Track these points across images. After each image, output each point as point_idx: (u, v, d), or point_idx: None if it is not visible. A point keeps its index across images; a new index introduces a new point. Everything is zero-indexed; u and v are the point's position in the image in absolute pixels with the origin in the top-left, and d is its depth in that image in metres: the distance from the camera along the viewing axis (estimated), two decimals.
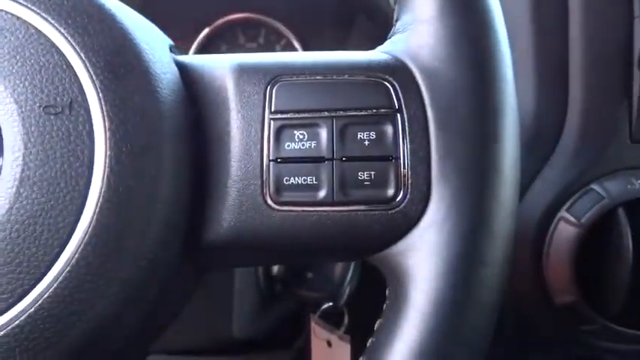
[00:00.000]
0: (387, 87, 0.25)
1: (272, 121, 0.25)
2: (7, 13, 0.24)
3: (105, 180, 0.23)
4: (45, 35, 0.24)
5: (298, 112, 0.25)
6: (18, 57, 0.23)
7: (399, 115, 0.25)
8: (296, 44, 0.69)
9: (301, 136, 0.25)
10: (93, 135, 0.23)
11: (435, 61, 0.25)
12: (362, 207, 0.25)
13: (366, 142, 0.25)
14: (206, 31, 0.69)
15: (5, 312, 0.22)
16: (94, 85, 0.23)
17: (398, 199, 0.25)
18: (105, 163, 0.23)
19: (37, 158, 0.23)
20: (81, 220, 0.22)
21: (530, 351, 0.47)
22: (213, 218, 0.26)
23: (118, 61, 0.24)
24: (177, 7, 0.68)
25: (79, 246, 0.22)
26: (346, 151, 0.25)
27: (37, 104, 0.23)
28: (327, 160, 0.25)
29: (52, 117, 0.23)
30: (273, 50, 0.70)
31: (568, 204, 0.41)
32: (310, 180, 0.25)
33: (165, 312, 0.29)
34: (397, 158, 0.25)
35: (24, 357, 0.22)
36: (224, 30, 0.69)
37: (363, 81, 0.26)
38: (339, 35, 0.68)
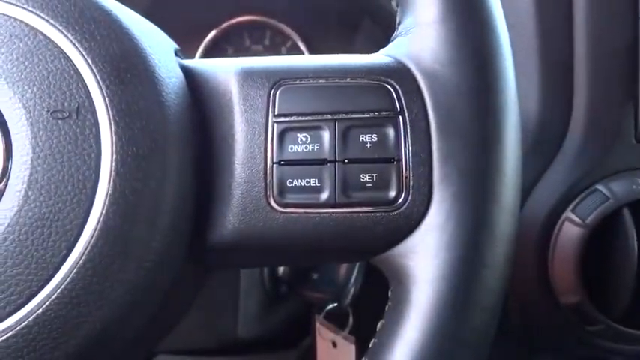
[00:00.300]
0: (389, 90, 0.26)
1: (275, 124, 0.26)
2: (16, 20, 0.24)
3: (111, 183, 0.23)
4: (53, 41, 0.24)
5: (301, 115, 0.26)
6: (27, 63, 0.24)
7: (400, 117, 0.25)
8: (301, 46, 0.69)
9: (304, 139, 0.26)
10: (99, 139, 0.23)
11: (437, 64, 0.25)
12: (364, 209, 0.25)
13: (368, 145, 0.25)
14: (212, 33, 0.69)
15: (14, 313, 0.22)
16: (101, 90, 0.24)
17: (400, 201, 0.25)
18: (111, 166, 0.23)
19: (45, 162, 0.23)
20: (88, 223, 0.23)
21: (536, 351, 0.47)
22: (217, 220, 0.26)
23: (124, 66, 0.24)
24: (183, 11, 0.69)
25: (86, 248, 0.23)
26: (348, 154, 0.25)
27: (46, 109, 0.23)
28: (330, 162, 0.25)
29: (59, 122, 0.23)
30: (278, 52, 0.70)
31: (573, 205, 0.41)
32: (313, 182, 0.25)
33: (170, 312, 0.30)
34: (399, 160, 0.25)
35: (32, 357, 0.22)
36: (230, 33, 0.70)
37: (365, 84, 0.26)
38: (344, 38, 0.68)
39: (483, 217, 0.24)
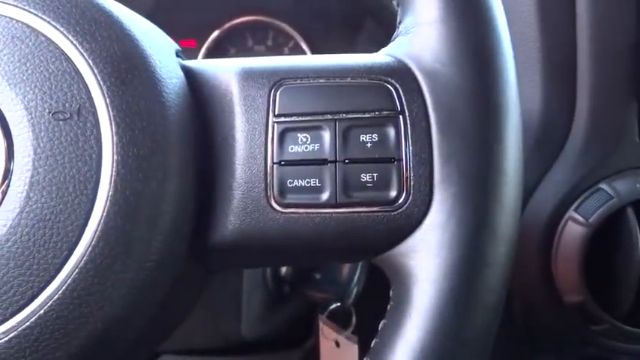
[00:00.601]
0: (390, 89, 0.26)
1: (276, 125, 0.26)
2: (17, 21, 0.24)
3: (112, 184, 0.23)
4: (54, 43, 0.24)
5: (301, 115, 0.26)
6: (28, 64, 0.24)
7: (401, 117, 0.25)
8: (304, 47, 0.69)
9: (304, 139, 0.26)
10: (100, 140, 0.23)
11: (438, 64, 0.25)
12: (365, 209, 0.25)
13: (369, 145, 0.25)
14: (215, 34, 0.69)
15: (16, 314, 0.23)
16: (102, 91, 0.24)
17: (400, 200, 0.25)
18: (112, 167, 0.23)
19: (46, 163, 0.23)
20: (89, 224, 0.23)
21: (540, 351, 0.47)
22: (218, 220, 0.26)
23: (124, 67, 0.24)
24: (186, 11, 0.69)
25: (87, 249, 0.23)
26: (349, 154, 0.25)
27: (47, 110, 0.23)
28: (330, 162, 0.25)
29: (60, 123, 0.23)
30: (281, 53, 0.70)
31: (576, 204, 0.41)
32: (313, 182, 0.25)
33: (172, 313, 0.30)
34: (399, 160, 0.25)
35: (34, 358, 0.22)
36: (232, 33, 0.70)
37: (365, 84, 0.26)
38: (347, 38, 0.68)
39: (484, 217, 0.24)
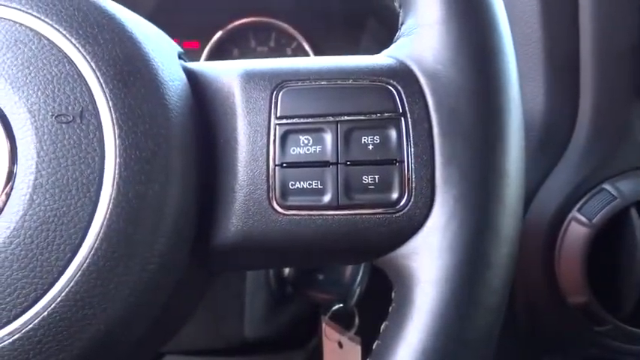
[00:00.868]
0: (391, 91, 0.26)
1: (277, 127, 0.26)
2: (20, 25, 0.25)
3: (115, 186, 0.23)
4: (57, 46, 0.24)
5: (303, 117, 0.26)
6: (31, 68, 0.24)
7: (403, 119, 0.25)
8: (307, 47, 0.69)
9: (306, 141, 0.26)
10: (103, 143, 0.24)
11: (439, 65, 0.25)
12: (366, 210, 0.25)
13: (371, 147, 0.25)
14: (218, 35, 0.69)
15: (20, 316, 0.23)
16: (104, 93, 0.24)
17: (402, 202, 0.25)
18: (115, 169, 0.23)
19: (49, 166, 0.23)
20: (92, 226, 0.23)
21: (544, 351, 0.47)
22: (220, 222, 0.26)
23: (127, 69, 0.24)
24: (189, 12, 0.69)
25: (90, 251, 0.23)
26: (351, 156, 0.25)
27: (50, 113, 0.24)
28: (332, 164, 0.25)
29: (63, 126, 0.23)
30: (284, 53, 0.70)
31: (579, 204, 0.41)
32: (315, 184, 0.25)
33: (175, 315, 0.30)
34: (401, 162, 0.25)
35: None
36: (235, 34, 0.70)
37: (367, 85, 0.26)
38: (350, 38, 0.68)
39: (486, 218, 0.24)
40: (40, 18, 0.25)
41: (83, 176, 0.23)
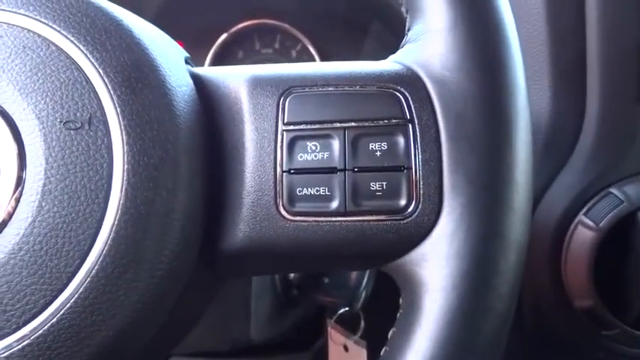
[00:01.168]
0: (399, 97, 0.26)
1: (285, 133, 0.26)
2: (29, 31, 0.25)
3: (123, 193, 0.23)
4: (65, 52, 0.24)
5: (311, 123, 0.26)
6: (39, 74, 0.24)
7: (410, 125, 0.25)
8: (312, 50, 0.69)
9: (314, 147, 0.26)
10: (111, 149, 0.24)
11: (447, 71, 0.25)
12: (374, 217, 0.25)
13: (378, 153, 0.25)
14: (223, 37, 0.70)
15: (29, 322, 0.23)
16: (112, 100, 0.24)
17: (410, 209, 0.25)
18: (123, 176, 0.23)
19: (58, 172, 0.23)
20: (100, 233, 0.23)
21: (550, 355, 0.47)
22: (228, 228, 0.26)
23: (135, 76, 0.24)
24: (193, 15, 0.69)
25: (99, 257, 0.23)
26: (358, 162, 0.25)
27: (58, 120, 0.24)
28: (340, 170, 0.25)
29: (72, 132, 0.24)
30: (289, 55, 0.70)
31: (586, 208, 0.40)
32: (323, 191, 0.25)
33: (183, 320, 0.30)
34: (409, 168, 0.25)
35: None
36: (240, 36, 0.70)
37: (374, 91, 0.26)
38: (354, 41, 0.68)
39: (495, 225, 0.24)
40: (48, 24, 0.25)
41: (92, 183, 0.23)
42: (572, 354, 0.45)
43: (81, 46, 0.24)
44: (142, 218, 0.23)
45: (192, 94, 0.27)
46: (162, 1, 0.66)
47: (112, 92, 0.24)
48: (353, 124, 0.26)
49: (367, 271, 0.49)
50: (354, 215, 0.25)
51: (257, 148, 0.26)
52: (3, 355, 0.23)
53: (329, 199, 0.25)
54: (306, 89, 0.26)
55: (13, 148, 0.24)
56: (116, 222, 0.23)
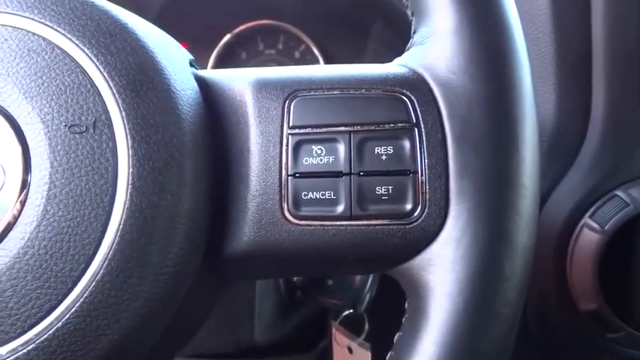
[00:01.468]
0: (405, 101, 0.25)
1: (290, 136, 0.26)
2: (34, 34, 0.25)
3: (128, 197, 0.23)
4: (70, 55, 0.24)
5: (316, 127, 0.26)
6: (44, 77, 0.24)
7: (416, 129, 0.25)
8: (315, 50, 0.69)
9: (319, 151, 0.25)
10: (116, 153, 0.24)
11: (453, 74, 0.25)
12: (380, 221, 0.25)
13: (384, 157, 0.25)
14: (226, 38, 0.70)
15: (34, 326, 0.23)
16: (117, 103, 0.24)
17: (416, 213, 0.25)
18: (128, 180, 0.23)
19: (63, 176, 0.23)
20: (105, 237, 0.23)
21: (555, 357, 0.47)
22: (233, 232, 0.26)
23: (140, 79, 0.24)
24: (196, 15, 0.69)
25: (104, 261, 0.23)
26: (364, 166, 0.25)
27: (63, 124, 0.24)
28: (345, 174, 0.25)
29: (77, 136, 0.24)
30: (292, 56, 0.70)
31: (591, 210, 0.40)
32: (328, 195, 0.25)
33: (188, 323, 0.30)
34: (415, 173, 0.25)
35: None
36: (243, 37, 0.70)
37: (380, 95, 0.26)
38: (357, 41, 0.68)
39: (501, 230, 0.23)
40: (52, 27, 0.25)
41: (96, 187, 0.23)
42: (576, 356, 0.45)
43: (86, 50, 0.24)
44: (147, 222, 0.23)
45: (197, 98, 0.26)
46: (164, 1, 0.66)
47: (116, 96, 0.24)
48: (358, 127, 0.25)
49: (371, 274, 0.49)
50: (360, 219, 0.25)
51: (262, 151, 0.26)
52: (9, 359, 0.23)
53: (334, 203, 0.25)
54: (312, 92, 0.26)
55: (18, 151, 0.24)
56: (121, 226, 0.23)
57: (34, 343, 0.23)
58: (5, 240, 0.23)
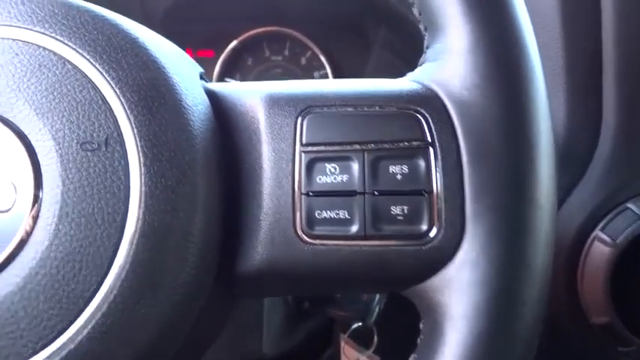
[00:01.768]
0: (419, 119, 0.25)
1: (303, 154, 0.25)
2: (45, 49, 0.24)
3: (140, 215, 0.23)
4: (81, 71, 0.24)
5: (329, 144, 0.25)
6: (55, 93, 0.24)
7: (431, 148, 0.25)
8: (321, 57, 0.69)
9: (333, 170, 0.25)
10: (128, 171, 0.23)
11: (467, 92, 0.25)
12: (395, 242, 0.25)
13: (399, 176, 0.25)
14: (232, 44, 0.69)
15: (46, 347, 0.22)
16: (129, 120, 0.24)
17: (432, 234, 0.24)
18: (140, 198, 0.23)
19: (74, 195, 0.23)
20: (117, 256, 0.23)
21: None
22: (245, 251, 0.26)
23: (151, 95, 0.24)
24: (202, 22, 0.69)
25: (116, 282, 0.23)
26: (378, 185, 0.25)
27: (75, 141, 0.23)
28: (359, 194, 0.25)
29: (89, 154, 0.23)
30: (298, 63, 0.70)
31: (602, 223, 0.40)
32: (342, 214, 0.25)
33: (200, 341, 0.30)
34: (430, 192, 0.24)
35: None
36: (249, 43, 0.70)
37: (394, 112, 0.25)
38: (363, 47, 0.68)
39: (518, 252, 0.23)
40: (63, 42, 0.24)
41: (109, 206, 0.23)
42: None
43: (97, 65, 0.24)
44: (160, 241, 0.23)
45: (208, 113, 0.26)
46: (168, 6, 0.66)
47: (128, 112, 0.24)
48: (372, 145, 0.25)
49: None
50: (374, 240, 0.25)
51: (275, 169, 0.26)
52: None
53: (349, 222, 0.25)
54: (325, 109, 0.26)
55: (30, 169, 0.23)
56: (133, 245, 0.23)
57: None
58: (18, 258, 0.23)
